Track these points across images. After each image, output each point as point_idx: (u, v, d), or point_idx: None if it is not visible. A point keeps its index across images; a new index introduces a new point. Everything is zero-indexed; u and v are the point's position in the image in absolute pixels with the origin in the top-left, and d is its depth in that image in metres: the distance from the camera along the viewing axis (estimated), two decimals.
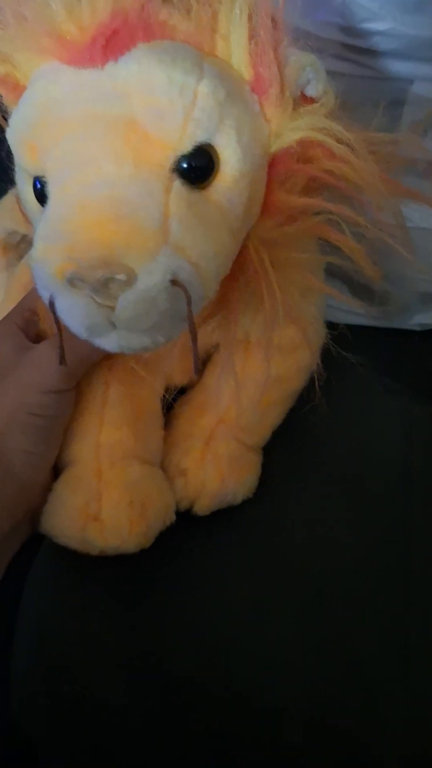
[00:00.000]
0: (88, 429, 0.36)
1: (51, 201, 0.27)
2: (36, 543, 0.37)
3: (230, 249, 0.28)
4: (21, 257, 0.43)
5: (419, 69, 0.40)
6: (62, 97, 0.27)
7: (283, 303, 0.31)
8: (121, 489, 0.35)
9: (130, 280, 0.24)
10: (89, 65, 0.26)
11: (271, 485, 0.39)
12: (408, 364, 0.49)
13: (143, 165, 0.26)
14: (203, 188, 0.27)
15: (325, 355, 0.35)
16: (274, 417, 0.39)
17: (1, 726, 0.38)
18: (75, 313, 0.26)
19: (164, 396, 0.38)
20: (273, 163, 0.29)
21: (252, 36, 0.27)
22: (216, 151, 0.27)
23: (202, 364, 0.38)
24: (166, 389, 0.38)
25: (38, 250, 0.26)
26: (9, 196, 0.44)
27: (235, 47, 0.28)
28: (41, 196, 0.28)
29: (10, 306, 0.37)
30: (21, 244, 0.44)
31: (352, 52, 0.39)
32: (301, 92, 0.29)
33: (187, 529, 0.37)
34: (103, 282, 0.24)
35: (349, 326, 0.35)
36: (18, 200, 0.32)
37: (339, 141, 0.28)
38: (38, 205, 0.29)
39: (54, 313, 0.26)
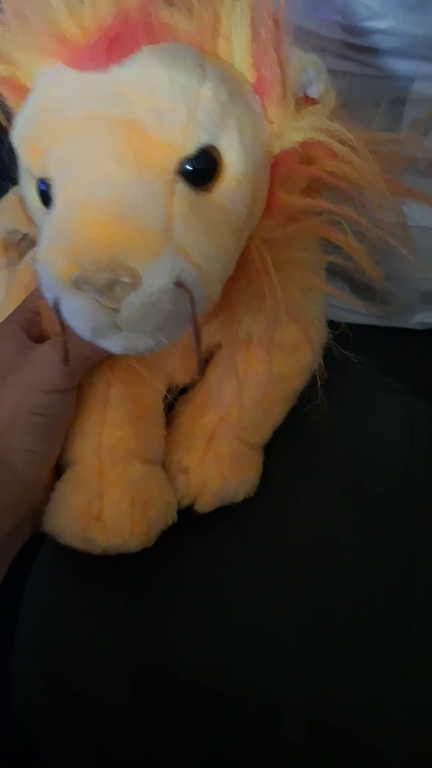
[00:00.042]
0: (90, 428, 0.36)
1: (55, 203, 0.27)
2: (37, 542, 0.37)
3: (233, 250, 0.28)
4: (22, 256, 0.43)
5: (420, 67, 0.40)
6: (65, 99, 0.27)
7: (285, 302, 0.31)
8: (123, 488, 0.35)
9: (135, 282, 0.24)
10: (93, 68, 0.26)
11: (272, 484, 0.39)
12: (409, 363, 0.49)
13: (147, 167, 0.26)
14: (206, 190, 0.27)
15: (327, 354, 0.35)
16: (275, 416, 0.39)
17: (2, 725, 0.38)
18: (80, 315, 0.26)
19: (166, 395, 0.38)
20: (275, 163, 0.29)
21: (254, 36, 0.27)
22: (219, 153, 0.27)
23: (204, 363, 0.38)
24: (168, 389, 0.38)
25: (43, 252, 0.26)
26: (9, 195, 0.45)
27: (237, 48, 0.28)
28: (45, 198, 0.28)
29: (12, 305, 0.37)
30: (21, 243, 0.45)
31: (353, 50, 0.39)
32: (303, 93, 0.29)
33: (188, 528, 0.37)
34: (107, 284, 0.24)
35: (350, 325, 0.35)
36: (21, 201, 0.32)
37: (341, 141, 0.28)
38: (42, 206, 0.29)
39: (58, 314, 0.26)
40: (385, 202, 0.30)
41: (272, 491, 0.39)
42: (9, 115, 0.31)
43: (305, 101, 0.29)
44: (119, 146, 0.26)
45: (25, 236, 0.44)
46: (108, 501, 0.35)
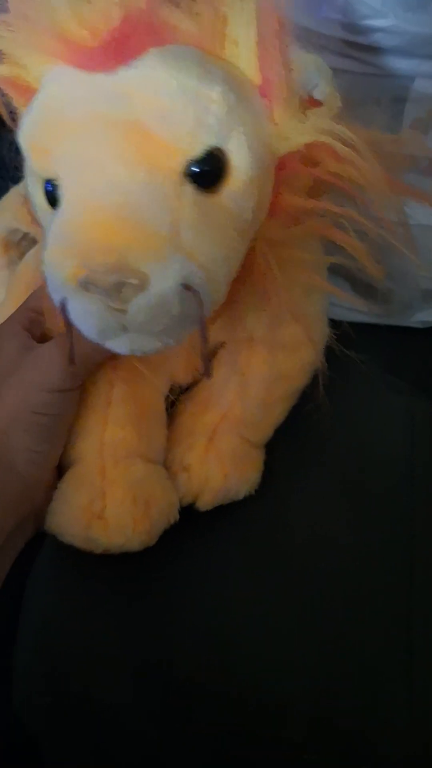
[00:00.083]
0: (92, 428, 0.36)
1: (62, 204, 0.27)
2: (38, 542, 0.37)
3: (239, 252, 0.29)
4: (22, 255, 0.43)
5: (421, 66, 0.40)
6: (73, 101, 0.27)
7: (288, 302, 0.31)
8: (125, 487, 0.35)
9: (143, 284, 0.24)
10: (101, 70, 0.26)
11: (273, 482, 0.39)
12: (410, 362, 0.49)
13: (155, 170, 0.26)
14: (213, 192, 0.27)
15: (328, 352, 0.35)
16: (277, 414, 0.39)
17: (3, 725, 0.38)
18: (87, 316, 0.26)
19: (168, 395, 0.38)
20: (280, 165, 0.29)
21: (260, 39, 0.27)
22: (226, 155, 0.27)
23: (210, 364, 0.38)
24: (171, 389, 0.38)
25: (50, 254, 0.26)
26: (10, 194, 0.44)
27: (243, 50, 0.28)
28: (52, 199, 0.28)
29: (13, 305, 0.37)
30: (22, 242, 0.45)
31: (353, 49, 0.39)
32: (308, 94, 0.29)
33: (189, 527, 0.37)
34: (115, 286, 0.24)
35: (351, 324, 0.35)
36: (26, 201, 0.32)
37: (345, 143, 0.28)
38: (49, 207, 0.29)
39: (65, 315, 0.26)
40: (386, 201, 0.30)
41: (273, 490, 0.39)
42: (14, 116, 0.31)
43: (310, 103, 0.29)
44: (126, 148, 0.26)
45: (25, 235, 0.44)
46: (110, 500, 0.35)
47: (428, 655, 0.36)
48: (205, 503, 0.38)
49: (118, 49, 0.26)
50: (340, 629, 0.36)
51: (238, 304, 0.31)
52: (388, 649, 0.36)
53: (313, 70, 0.28)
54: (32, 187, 0.30)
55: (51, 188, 0.28)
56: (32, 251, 0.41)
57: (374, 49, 0.39)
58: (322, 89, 0.28)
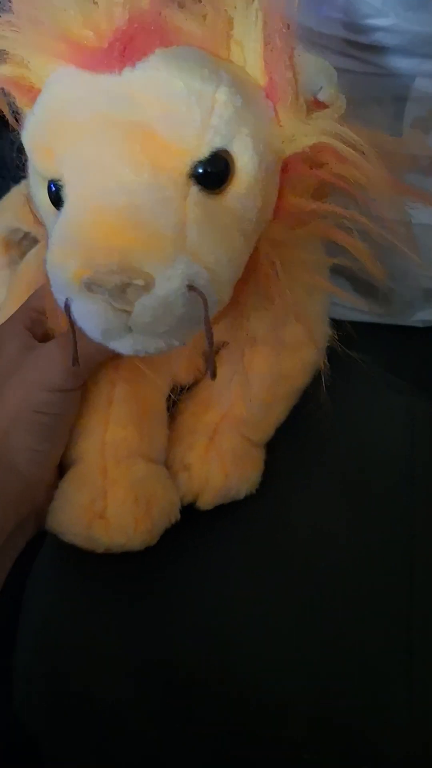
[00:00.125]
0: (94, 427, 0.36)
1: (67, 205, 0.27)
2: (38, 541, 0.37)
3: (244, 253, 0.29)
4: (23, 255, 0.43)
5: (422, 65, 0.40)
6: (78, 102, 0.27)
7: (291, 302, 0.31)
8: (127, 487, 0.35)
9: (148, 285, 0.24)
10: (106, 70, 0.26)
11: (274, 481, 0.39)
12: (411, 361, 0.49)
13: (160, 171, 0.26)
14: (218, 194, 0.27)
15: (329, 352, 0.35)
16: (278, 413, 0.39)
17: (3, 725, 0.38)
18: (91, 317, 0.26)
19: (169, 395, 0.38)
20: (285, 167, 0.29)
21: (266, 41, 0.27)
22: (232, 157, 0.27)
23: (215, 365, 0.38)
24: (172, 389, 0.38)
25: (54, 254, 0.26)
26: (11, 194, 0.44)
27: (250, 53, 0.28)
28: (56, 200, 0.28)
29: (14, 304, 0.37)
30: (23, 242, 0.44)
31: (354, 48, 0.39)
32: (313, 96, 0.28)
33: (190, 526, 0.37)
34: (120, 287, 0.24)
35: (352, 323, 0.35)
36: (28, 201, 0.32)
37: (349, 145, 0.28)
38: (52, 207, 0.29)
39: (69, 316, 0.26)
40: (389, 201, 0.30)
41: (274, 489, 0.39)
42: (17, 116, 0.30)
43: (315, 105, 0.29)
44: (134, 152, 0.26)
45: (26, 235, 0.44)
46: (111, 500, 0.35)
47: (428, 655, 0.36)
48: (205, 502, 0.38)
49: (122, 50, 0.26)
50: (340, 629, 0.36)
51: (243, 305, 0.31)
52: (388, 649, 0.36)
53: (317, 72, 0.28)
54: (36, 187, 0.30)
55: (55, 189, 0.28)
56: (33, 251, 0.41)
57: (375, 48, 0.39)
58: (327, 91, 0.28)
